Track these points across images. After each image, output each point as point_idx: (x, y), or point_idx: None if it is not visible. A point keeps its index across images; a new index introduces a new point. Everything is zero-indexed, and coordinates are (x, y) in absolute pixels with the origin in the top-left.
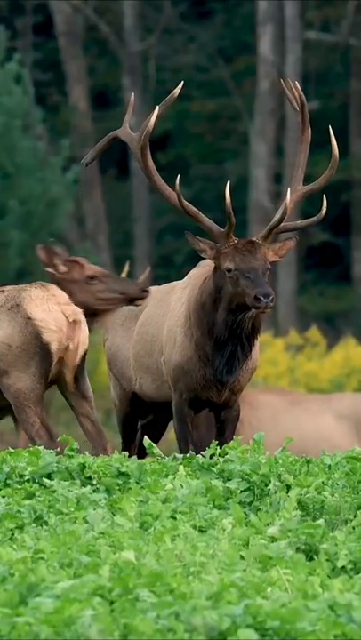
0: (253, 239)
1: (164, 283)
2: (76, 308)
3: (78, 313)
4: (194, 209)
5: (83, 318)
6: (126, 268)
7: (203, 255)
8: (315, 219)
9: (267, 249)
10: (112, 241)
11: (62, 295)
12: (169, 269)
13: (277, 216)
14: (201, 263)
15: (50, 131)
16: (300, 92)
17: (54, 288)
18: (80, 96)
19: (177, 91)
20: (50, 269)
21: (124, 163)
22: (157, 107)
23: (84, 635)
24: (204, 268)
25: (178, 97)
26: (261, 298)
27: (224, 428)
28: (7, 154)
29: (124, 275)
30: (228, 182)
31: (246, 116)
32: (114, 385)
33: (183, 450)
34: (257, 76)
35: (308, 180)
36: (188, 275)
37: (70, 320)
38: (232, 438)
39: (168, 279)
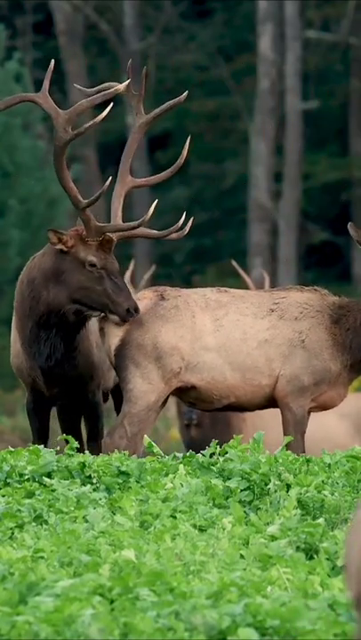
0: (114, 238)
1: (164, 281)
2: None
3: None
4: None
5: None
6: (131, 267)
7: (57, 246)
8: (173, 232)
9: None
10: None
11: None
12: (169, 268)
13: (134, 223)
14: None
15: (50, 130)
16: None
17: None
18: (80, 95)
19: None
20: None
21: None
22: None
23: (83, 634)
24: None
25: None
26: (133, 312)
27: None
28: (7, 153)
29: (128, 273)
30: (110, 178)
31: (246, 115)
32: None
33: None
34: (257, 75)
35: (307, 178)
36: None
37: None
38: (99, 435)
39: (169, 278)
